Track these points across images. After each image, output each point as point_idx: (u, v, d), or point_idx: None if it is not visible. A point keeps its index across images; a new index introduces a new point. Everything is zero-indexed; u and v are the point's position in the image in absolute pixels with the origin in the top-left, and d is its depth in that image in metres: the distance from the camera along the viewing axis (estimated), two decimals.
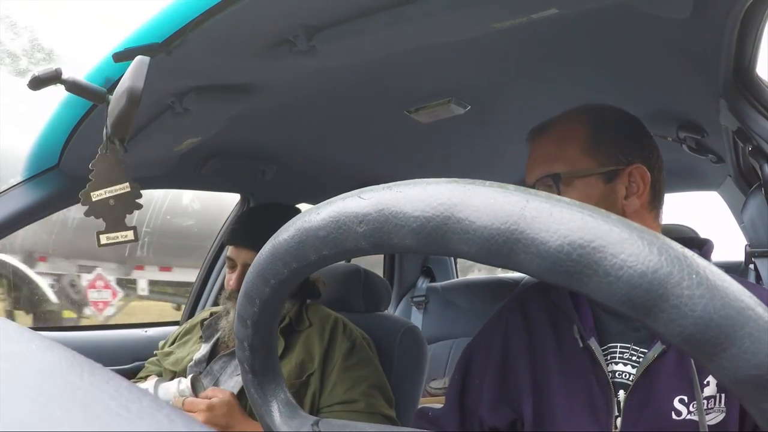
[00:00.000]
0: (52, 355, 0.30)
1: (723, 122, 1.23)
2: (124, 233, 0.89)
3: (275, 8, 0.82)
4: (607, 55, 1.10)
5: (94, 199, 0.89)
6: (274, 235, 0.38)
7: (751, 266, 1.79)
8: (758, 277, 1.73)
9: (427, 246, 0.30)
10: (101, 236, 0.89)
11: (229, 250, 1.43)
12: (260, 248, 1.30)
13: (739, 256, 1.86)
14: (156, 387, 1.22)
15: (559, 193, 0.84)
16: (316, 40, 0.89)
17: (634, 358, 0.85)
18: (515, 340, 0.95)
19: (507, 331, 0.97)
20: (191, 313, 2.09)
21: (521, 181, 2.12)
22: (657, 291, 0.24)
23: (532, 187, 0.87)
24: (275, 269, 0.38)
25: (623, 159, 0.89)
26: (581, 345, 0.87)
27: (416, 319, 2.59)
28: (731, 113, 1.11)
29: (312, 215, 0.35)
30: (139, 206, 0.90)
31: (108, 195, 0.89)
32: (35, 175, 1.33)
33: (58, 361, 0.29)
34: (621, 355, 0.86)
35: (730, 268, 1.27)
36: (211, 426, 1.16)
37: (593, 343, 0.85)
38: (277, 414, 0.47)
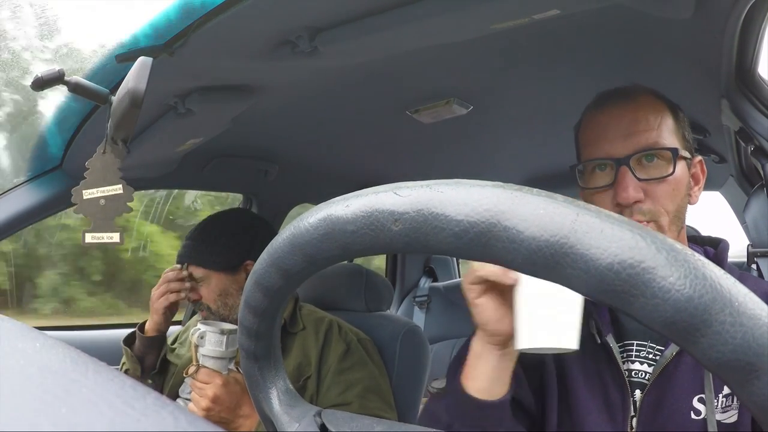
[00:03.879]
0: (56, 354, 0.30)
1: (725, 122, 1.23)
2: (110, 234, 0.89)
3: (277, 9, 0.83)
4: (608, 56, 1.10)
5: (85, 197, 0.89)
6: (293, 224, 0.36)
7: (754, 266, 1.79)
8: (761, 277, 1.72)
9: (467, 251, 0.29)
10: (87, 234, 0.89)
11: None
12: (199, 261, 1.22)
13: (742, 256, 1.86)
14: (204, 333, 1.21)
15: (674, 170, 0.80)
16: (318, 41, 0.89)
17: (651, 356, 0.82)
18: None
19: None
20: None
21: (524, 181, 2.11)
22: (702, 316, 0.24)
23: (626, 158, 0.80)
24: (293, 259, 0.36)
25: (691, 149, 0.86)
26: (599, 341, 0.83)
27: (418, 319, 2.59)
28: (733, 113, 1.11)
29: (339, 207, 0.33)
30: (129, 209, 0.89)
31: (100, 195, 0.89)
32: (38, 175, 1.33)
33: (62, 360, 0.29)
34: (638, 353, 0.83)
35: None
36: (219, 402, 1.17)
37: (611, 340, 0.82)
38: (276, 401, 0.46)
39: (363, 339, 1.44)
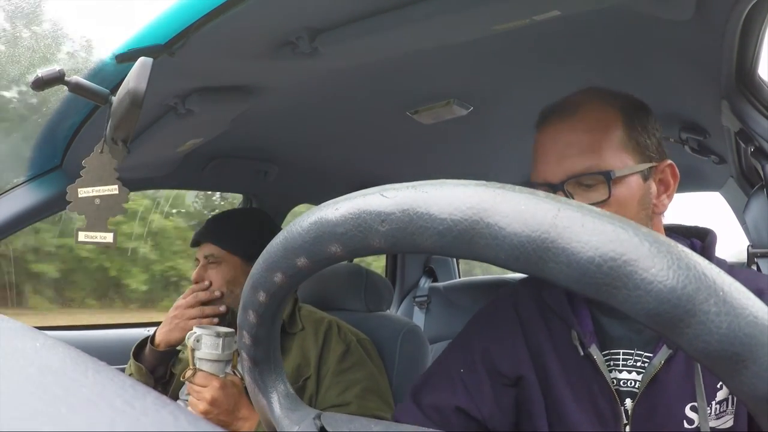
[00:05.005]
0: (56, 353, 0.30)
1: (725, 123, 1.23)
2: (103, 234, 0.88)
3: (278, 10, 0.83)
4: (608, 57, 1.10)
5: (80, 196, 0.89)
6: (287, 227, 0.37)
7: (754, 267, 1.79)
8: None
9: (451, 249, 0.29)
10: (80, 233, 0.88)
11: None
12: (218, 240, 1.21)
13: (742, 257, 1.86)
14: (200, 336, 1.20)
15: (609, 195, 0.76)
16: (319, 41, 0.89)
17: (638, 364, 0.80)
18: (514, 343, 0.88)
19: (502, 333, 0.89)
20: None
21: (523, 183, 2.12)
22: (685, 306, 0.24)
23: (561, 184, 0.78)
24: (287, 262, 0.37)
25: (656, 154, 0.81)
26: (582, 353, 0.81)
27: (418, 319, 2.59)
28: (733, 114, 1.11)
29: (329, 210, 0.34)
30: (124, 210, 0.88)
31: (95, 194, 0.89)
32: (38, 175, 1.33)
33: (63, 359, 0.29)
34: (625, 362, 0.81)
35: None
36: (217, 405, 1.17)
37: (594, 351, 0.80)
38: (277, 405, 0.46)
39: (362, 339, 1.44)
